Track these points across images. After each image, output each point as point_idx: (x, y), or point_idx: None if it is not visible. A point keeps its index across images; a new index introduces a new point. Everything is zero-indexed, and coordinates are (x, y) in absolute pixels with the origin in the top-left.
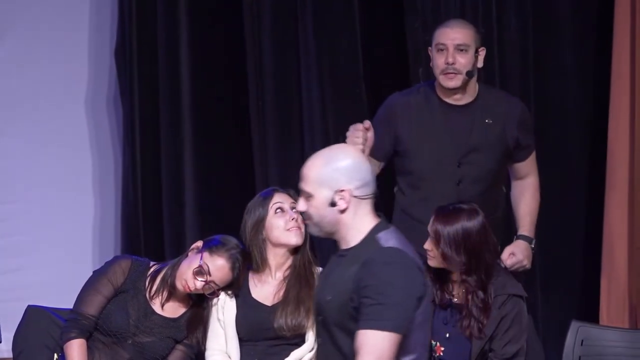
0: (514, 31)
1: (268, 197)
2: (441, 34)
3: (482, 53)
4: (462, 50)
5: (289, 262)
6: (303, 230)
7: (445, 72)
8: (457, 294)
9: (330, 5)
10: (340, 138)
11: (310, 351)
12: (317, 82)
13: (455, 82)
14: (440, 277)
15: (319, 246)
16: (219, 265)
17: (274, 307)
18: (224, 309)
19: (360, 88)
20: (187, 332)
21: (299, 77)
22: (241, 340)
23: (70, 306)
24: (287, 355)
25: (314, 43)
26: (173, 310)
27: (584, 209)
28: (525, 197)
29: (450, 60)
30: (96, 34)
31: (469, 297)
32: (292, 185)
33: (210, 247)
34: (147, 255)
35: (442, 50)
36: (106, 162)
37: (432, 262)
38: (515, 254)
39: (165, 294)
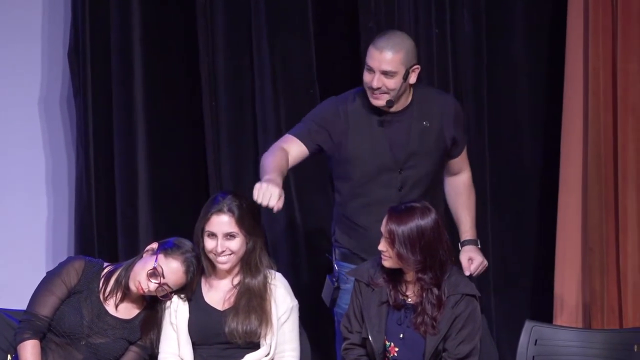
0: (467, 30)
1: (206, 216)
2: (370, 56)
3: (416, 71)
4: (388, 75)
5: (238, 267)
6: (233, 256)
7: (372, 92)
8: (410, 294)
9: (283, 6)
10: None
11: (265, 356)
12: (270, 83)
13: (381, 101)
14: (394, 277)
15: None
16: (173, 268)
17: (225, 312)
18: (177, 313)
19: (314, 89)
20: (141, 334)
21: (253, 78)
22: (194, 344)
23: (24, 307)
24: (241, 357)
25: (267, 44)
26: (127, 311)
27: (537, 209)
28: (462, 197)
29: (375, 84)
30: (49, 34)
31: (424, 294)
32: (245, 186)
33: (165, 249)
34: (100, 256)
35: (369, 70)
36: (60, 162)
37: (387, 263)
38: (473, 258)
39: (119, 295)
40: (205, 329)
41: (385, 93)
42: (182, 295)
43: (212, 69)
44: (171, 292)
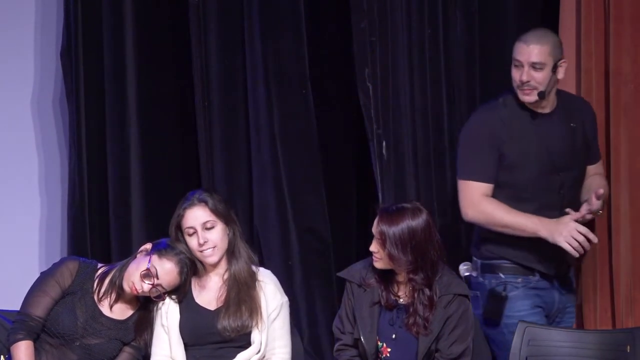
0: (459, 30)
1: (180, 213)
2: (518, 49)
3: (564, 65)
4: (537, 68)
5: (225, 265)
6: (218, 248)
7: (521, 88)
8: (402, 295)
9: (276, 5)
10: (287, 138)
11: (257, 353)
12: (263, 82)
13: (531, 97)
14: (385, 278)
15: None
16: (167, 269)
17: (217, 311)
18: (167, 315)
19: (307, 88)
20: (135, 334)
21: (245, 77)
22: (186, 345)
23: (17, 308)
24: (233, 357)
25: (260, 43)
26: (121, 312)
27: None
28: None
29: (524, 78)
30: (42, 35)
31: (415, 294)
32: (237, 186)
33: (159, 250)
34: (94, 257)
35: (517, 66)
36: (52, 163)
37: (378, 264)
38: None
39: (113, 295)
40: (197, 329)
41: (534, 88)
42: (174, 297)
43: (204, 69)
44: (164, 293)
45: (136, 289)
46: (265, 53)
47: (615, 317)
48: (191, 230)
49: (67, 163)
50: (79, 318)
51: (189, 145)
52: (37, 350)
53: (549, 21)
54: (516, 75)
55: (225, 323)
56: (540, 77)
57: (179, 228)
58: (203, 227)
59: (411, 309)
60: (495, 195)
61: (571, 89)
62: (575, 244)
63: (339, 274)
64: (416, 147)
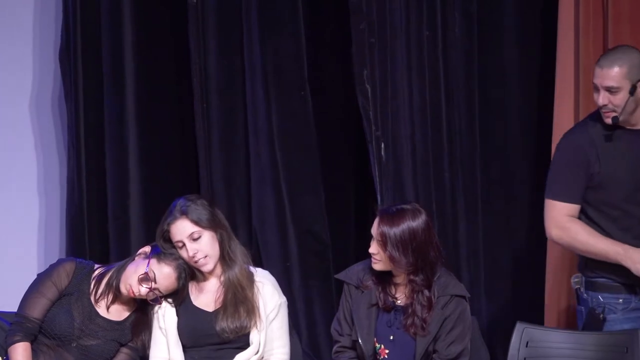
0: (458, 32)
1: (165, 229)
2: (594, 74)
3: None
4: (612, 91)
5: (221, 267)
6: (210, 256)
7: (601, 110)
8: (400, 296)
9: (274, 7)
10: (285, 140)
11: (255, 354)
12: (261, 84)
13: (609, 120)
14: (383, 280)
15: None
16: (165, 274)
17: (215, 313)
18: (165, 317)
19: (305, 90)
20: (132, 335)
21: (244, 78)
22: (185, 347)
23: (15, 309)
24: (232, 358)
25: (259, 44)
26: (118, 313)
27: (528, 211)
28: None
29: (601, 102)
30: (40, 35)
31: (415, 295)
32: (236, 187)
33: (158, 254)
34: (92, 258)
35: (595, 89)
36: (51, 164)
37: (377, 266)
38: None
39: (110, 297)
40: (196, 331)
41: (612, 111)
42: (170, 300)
43: (203, 70)
44: (161, 297)
45: (133, 292)
46: (263, 54)
47: None
48: (180, 244)
49: (66, 163)
50: (76, 319)
51: (187, 147)
52: (35, 352)
53: (548, 21)
54: (595, 97)
55: (224, 324)
56: (616, 100)
57: (168, 241)
58: (190, 238)
59: (409, 310)
60: (587, 213)
61: (569, 89)
62: None
63: (337, 275)
64: (415, 148)
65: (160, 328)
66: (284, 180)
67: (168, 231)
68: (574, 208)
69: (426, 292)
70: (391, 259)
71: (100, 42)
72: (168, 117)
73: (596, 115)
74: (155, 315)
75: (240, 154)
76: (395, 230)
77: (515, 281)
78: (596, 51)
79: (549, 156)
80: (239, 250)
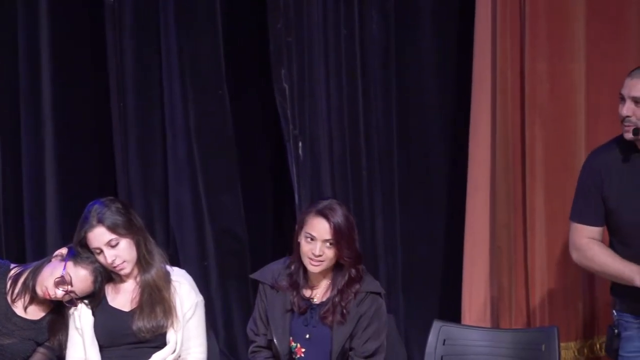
0: (376, 30)
1: (83, 235)
2: (624, 83)
3: None
4: (638, 102)
5: (138, 269)
6: (127, 261)
7: (623, 123)
8: (316, 296)
9: (192, 5)
10: (203, 139)
11: (172, 353)
12: (179, 82)
13: (629, 134)
14: (297, 283)
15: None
16: (81, 277)
17: (131, 312)
18: (81, 318)
19: (223, 88)
20: (48, 335)
21: (161, 77)
22: (101, 347)
23: None
24: (149, 357)
25: (176, 43)
26: (35, 312)
27: (446, 208)
28: None
29: (624, 112)
30: None
31: (351, 289)
32: (153, 188)
33: (75, 257)
34: (8, 257)
35: (621, 99)
36: None
37: (319, 268)
38: None
39: (27, 297)
40: (112, 331)
41: (634, 124)
42: (86, 301)
43: (120, 69)
44: (77, 299)
45: (49, 295)
46: (181, 53)
47: (530, 315)
48: (97, 251)
49: None
50: None
51: (105, 146)
52: None
53: (465, 20)
54: (619, 110)
55: (140, 324)
56: None
57: (85, 246)
58: (108, 245)
59: (329, 303)
60: (609, 237)
61: (486, 88)
62: None
63: (252, 275)
64: (332, 146)
65: (76, 328)
66: (201, 179)
67: (85, 238)
68: (595, 230)
69: (356, 285)
70: (341, 254)
71: (16, 42)
72: (85, 116)
73: (619, 138)
74: (71, 316)
75: (157, 153)
76: (341, 223)
77: (432, 279)
78: (513, 51)
79: (466, 153)
80: (156, 252)
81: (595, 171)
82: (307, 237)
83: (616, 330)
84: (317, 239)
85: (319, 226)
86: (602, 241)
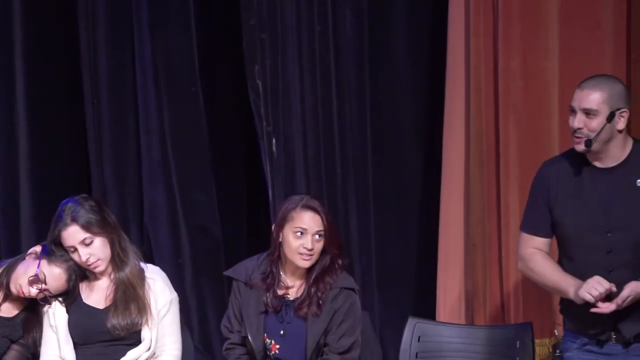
0: (349, 27)
1: (57, 235)
2: (574, 95)
3: (625, 115)
4: (589, 115)
5: (112, 267)
6: (102, 259)
7: (573, 136)
8: (291, 292)
9: (165, 3)
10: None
11: (147, 350)
12: (152, 80)
13: (581, 145)
14: (271, 281)
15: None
16: (55, 275)
17: (106, 310)
18: (55, 315)
19: (196, 86)
20: (23, 332)
21: (134, 75)
22: (76, 344)
23: None
24: (123, 354)
25: (149, 40)
26: (8, 310)
27: (420, 206)
28: None
29: (575, 124)
30: None
31: (326, 279)
32: (127, 184)
33: (49, 255)
34: None
35: (572, 112)
36: None
37: (309, 262)
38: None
39: (1, 295)
40: (87, 329)
41: (585, 136)
42: (60, 299)
43: (93, 66)
44: (51, 297)
45: (23, 293)
46: (154, 50)
47: (505, 312)
48: (72, 249)
49: None
50: None
51: (79, 144)
52: None
53: (438, 18)
54: (571, 121)
55: (115, 322)
56: (592, 125)
57: (59, 244)
58: (82, 244)
59: (304, 295)
60: (558, 253)
61: (460, 86)
62: (595, 293)
63: (226, 272)
64: (306, 144)
65: (50, 326)
66: (175, 177)
67: (60, 237)
68: (541, 241)
69: (332, 275)
70: (330, 244)
71: None
72: (59, 114)
73: (573, 150)
74: (46, 313)
75: (131, 151)
76: (327, 214)
77: (407, 276)
78: (487, 48)
79: (440, 152)
80: (130, 249)
81: (544, 182)
82: (296, 232)
83: (558, 351)
84: (308, 232)
85: (309, 219)
86: (551, 255)
